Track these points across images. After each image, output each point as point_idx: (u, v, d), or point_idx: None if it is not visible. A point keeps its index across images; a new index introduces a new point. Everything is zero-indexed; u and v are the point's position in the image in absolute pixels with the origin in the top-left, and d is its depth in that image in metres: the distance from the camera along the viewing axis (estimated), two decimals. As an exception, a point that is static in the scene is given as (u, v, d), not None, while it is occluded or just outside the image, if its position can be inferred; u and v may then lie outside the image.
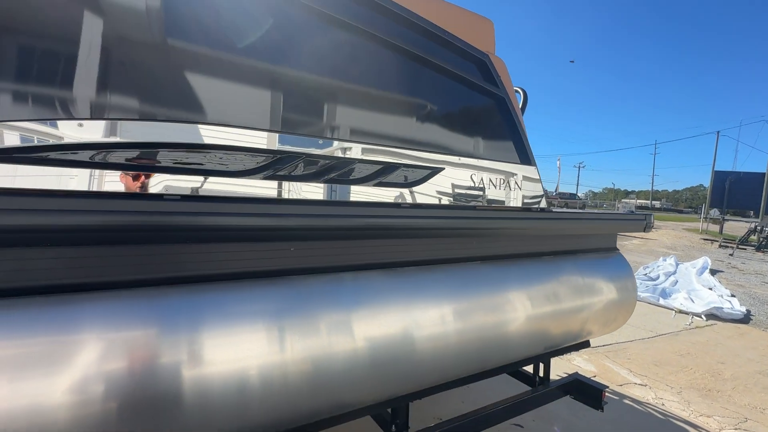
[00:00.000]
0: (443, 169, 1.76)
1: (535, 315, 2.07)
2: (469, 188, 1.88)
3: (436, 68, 1.79)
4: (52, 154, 1.12)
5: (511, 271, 2.05)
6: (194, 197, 1.27)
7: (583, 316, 2.36)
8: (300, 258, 1.52)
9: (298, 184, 1.47)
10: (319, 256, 1.54)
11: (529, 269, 2.13)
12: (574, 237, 2.39)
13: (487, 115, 2.00)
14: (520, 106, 3.14)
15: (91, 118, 1.15)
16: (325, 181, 1.53)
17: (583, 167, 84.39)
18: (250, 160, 1.36)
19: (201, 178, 1.29)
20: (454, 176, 1.83)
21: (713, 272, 10.32)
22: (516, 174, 2.06)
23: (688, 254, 13.98)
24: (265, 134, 1.40)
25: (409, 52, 1.70)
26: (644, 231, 2.62)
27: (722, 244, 17.26)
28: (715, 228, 22.99)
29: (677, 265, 10.01)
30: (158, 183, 1.23)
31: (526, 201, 2.12)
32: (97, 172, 1.15)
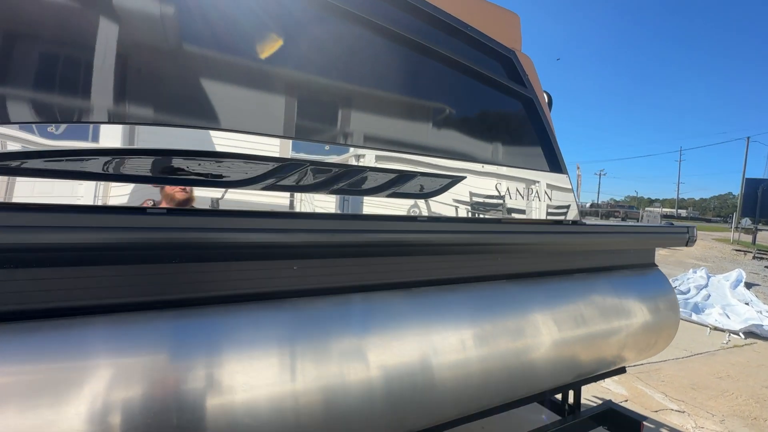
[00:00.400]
0: (464, 177, 1.58)
1: (565, 339, 1.86)
2: (494, 199, 1.70)
3: (457, 66, 1.62)
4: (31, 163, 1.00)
5: (539, 290, 1.84)
6: (182, 211, 1.12)
7: (618, 341, 2.13)
8: (303, 278, 1.36)
9: (301, 195, 1.31)
10: (324, 276, 1.38)
11: (559, 288, 1.92)
12: (608, 252, 2.17)
13: (513, 117, 1.82)
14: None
15: (65, 122, 1.02)
16: (331, 192, 1.37)
17: (604, 175, 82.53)
18: (244, 168, 1.21)
19: (189, 189, 1.15)
20: (477, 186, 1.65)
21: (748, 285, 9.72)
22: (545, 183, 1.86)
23: (719, 266, 13.29)
24: (261, 139, 1.26)
25: (427, 48, 1.54)
26: (686, 245, 2.37)
27: (756, 255, 16.37)
28: (748, 238, 21.92)
29: (709, 277, 9.48)
30: (141, 194, 1.09)
31: (556, 213, 1.92)
32: (71, 183, 1.02)
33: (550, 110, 3.03)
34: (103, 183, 1.03)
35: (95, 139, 1.05)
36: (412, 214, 1.50)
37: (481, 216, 1.67)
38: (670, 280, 9.16)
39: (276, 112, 1.33)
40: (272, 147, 1.27)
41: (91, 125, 1.04)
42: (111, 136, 1.07)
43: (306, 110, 1.38)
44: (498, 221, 1.72)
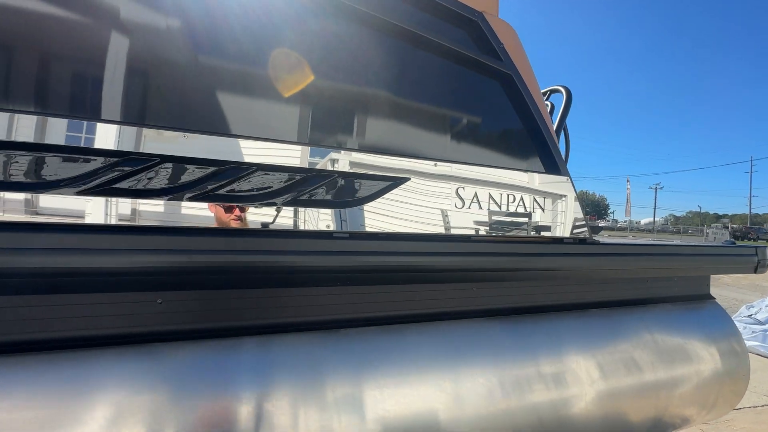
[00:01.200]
0: (407, 180, 1.16)
1: (566, 401, 1.35)
2: (456, 210, 1.25)
3: (402, 35, 1.23)
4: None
5: (529, 331, 1.35)
6: None
7: (656, 402, 1.56)
8: (173, 314, 1.00)
9: (170, 203, 0.97)
10: (198, 312, 1.02)
11: (560, 328, 1.41)
12: (638, 281, 1.62)
13: (484, 100, 1.37)
14: (562, 107, 2.46)
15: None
16: (230, 198, 1.02)
17: (661, 188, 76.57)
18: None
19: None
20: (431, 191, 1.22)
21: None
22: (535, 188, 1.38)
23: (806, 291, 11.42)
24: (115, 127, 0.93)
25: (358, 11, 1.16)
26: (755, 272, 1.76)
27: None
28: (840, 258, 19.01)
29: (794, 304, 8.05)
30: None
31: (553, 227, 1.43)
32: None
33: (569, 109, 2.54)
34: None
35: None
36: (330, 227, 1.10)
37: (441, 232, 1.24)
38: (744, 307, 7.89)
39: (134, 99, 1.00)
40: (124, 138, 0.95)
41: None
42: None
43: (181, 93, 1.05)
44: (467, 239, 1.27)
